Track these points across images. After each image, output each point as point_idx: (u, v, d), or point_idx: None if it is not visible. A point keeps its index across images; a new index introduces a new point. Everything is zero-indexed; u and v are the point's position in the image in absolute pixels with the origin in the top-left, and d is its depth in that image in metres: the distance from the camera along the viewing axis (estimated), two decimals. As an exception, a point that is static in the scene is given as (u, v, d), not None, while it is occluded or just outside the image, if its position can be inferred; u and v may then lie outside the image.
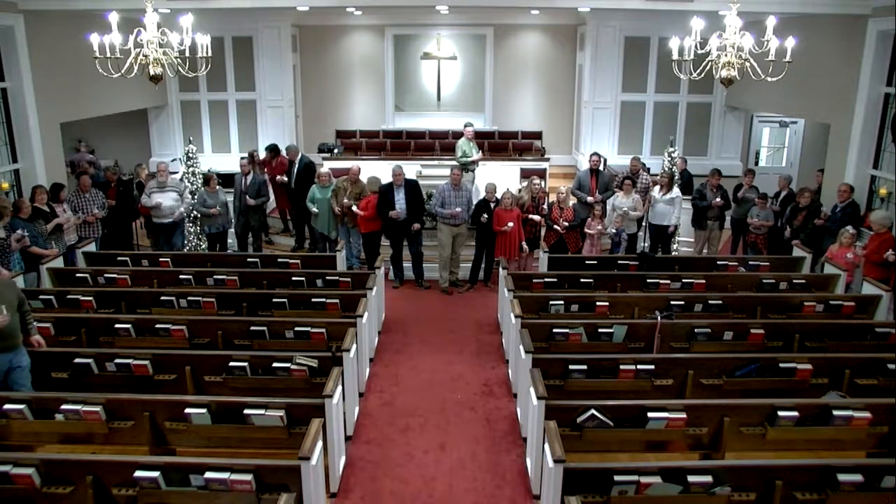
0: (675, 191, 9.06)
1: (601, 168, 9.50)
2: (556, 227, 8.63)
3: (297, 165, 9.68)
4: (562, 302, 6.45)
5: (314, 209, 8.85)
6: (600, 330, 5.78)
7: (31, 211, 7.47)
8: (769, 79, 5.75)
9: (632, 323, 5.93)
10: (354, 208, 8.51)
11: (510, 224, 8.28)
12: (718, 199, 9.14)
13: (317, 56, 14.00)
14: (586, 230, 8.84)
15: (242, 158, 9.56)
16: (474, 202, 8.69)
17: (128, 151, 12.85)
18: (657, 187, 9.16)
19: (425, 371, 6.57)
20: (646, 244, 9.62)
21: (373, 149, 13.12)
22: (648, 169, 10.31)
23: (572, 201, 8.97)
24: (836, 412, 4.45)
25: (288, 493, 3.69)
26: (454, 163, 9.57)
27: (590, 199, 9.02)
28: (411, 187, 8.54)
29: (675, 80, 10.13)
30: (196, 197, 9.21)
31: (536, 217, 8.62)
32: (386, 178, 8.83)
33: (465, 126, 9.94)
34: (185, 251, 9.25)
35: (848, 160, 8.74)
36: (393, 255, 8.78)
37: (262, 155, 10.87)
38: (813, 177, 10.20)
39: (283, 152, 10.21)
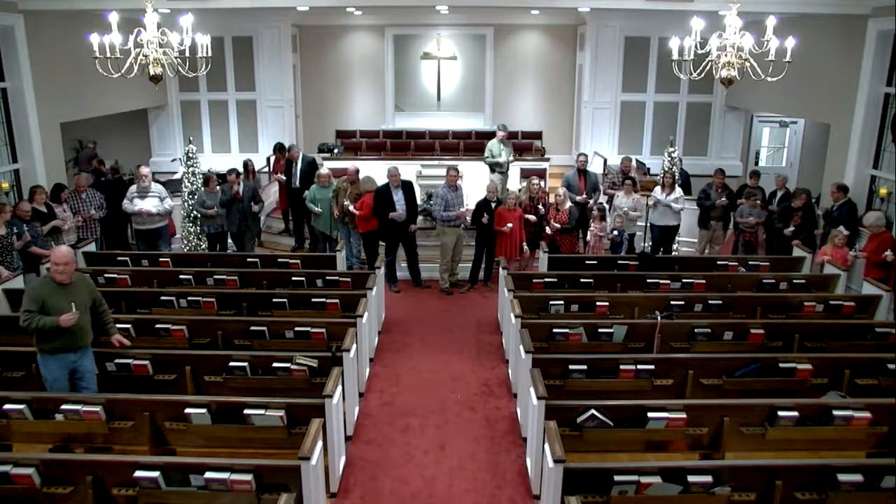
0: (678, 191, 9.05)
1: (595, 168, 9.51)
2: (546, 228, 8.63)
3: (299, 165, 9.66)
4: (562, 302, 6.45)
5: (317, 209, 8.83)
6: (600, 330, 5.78)
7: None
8: (769, 79, 5.75)
9: (632, 323, 5.93)
10: (351, 208, 8.50)
11: (510, 224, 8.27)
12: (724, 199, 9.13)
13: (317, 56, 13.99)
14: (589, 232, 8.83)
15: (230, 173, 8.90)
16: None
17: (128, 151, 12.85)
18: (658, 188, 9.16)
19: (425, 371, 6.57)
20: (645, 244, 9.61)
21: (373, 149, 13.13)
22: (648, 169, 10.29)
23: (568, 204, 8.97)
24: (836, 412, 4.45)
25: (288, 493, 3.69)
26: (452, 163, 9.55)
27: (578, 198, 9.07)
28: (408, 188, 8.51)
29: (675, 80, 10.12)
30: (195, 197, 9.19)
31: (533, 217, 8.61)
32: (382, 179, 8.80)
33: (498, 128, 9.91)
34: (185, 251, 9.25)
35: (848, 160, 8.75)
36: (388, 260, 8.56)
37: (259, 161, 10.81)
38: (815, 176, 10.19)
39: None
